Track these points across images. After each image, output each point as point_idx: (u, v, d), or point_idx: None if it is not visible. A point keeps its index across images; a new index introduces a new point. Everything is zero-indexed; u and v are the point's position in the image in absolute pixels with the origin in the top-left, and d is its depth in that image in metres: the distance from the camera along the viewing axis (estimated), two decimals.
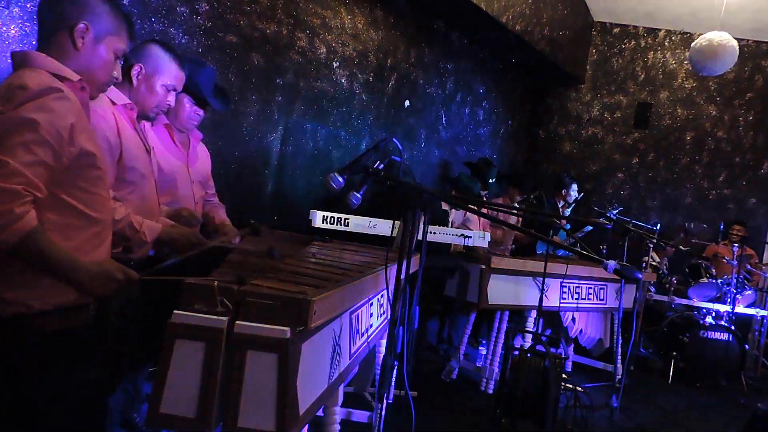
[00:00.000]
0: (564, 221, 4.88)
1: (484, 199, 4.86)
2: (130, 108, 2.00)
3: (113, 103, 1.94)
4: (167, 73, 2.06)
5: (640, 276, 1.51)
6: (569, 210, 5.51)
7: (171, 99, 2.10)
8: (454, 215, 4.61)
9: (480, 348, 4.49)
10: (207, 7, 3.45)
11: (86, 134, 1.46)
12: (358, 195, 1.80)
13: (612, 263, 1.48)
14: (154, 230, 1.93)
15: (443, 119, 5.74)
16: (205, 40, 3.47)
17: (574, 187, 5.54)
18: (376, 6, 4.68)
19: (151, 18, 3.19)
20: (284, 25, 3.95)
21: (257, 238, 2.43)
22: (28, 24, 2.66)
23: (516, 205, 4.86)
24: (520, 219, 5.01)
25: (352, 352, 1.83)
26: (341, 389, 2.13)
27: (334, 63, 4.39)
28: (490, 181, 4.73)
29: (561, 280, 3.96)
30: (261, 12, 3.78)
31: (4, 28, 2.61)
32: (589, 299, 4.29)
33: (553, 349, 3.38)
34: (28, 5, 2.66)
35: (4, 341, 1.38)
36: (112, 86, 1.97)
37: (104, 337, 1.57)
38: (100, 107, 1.85)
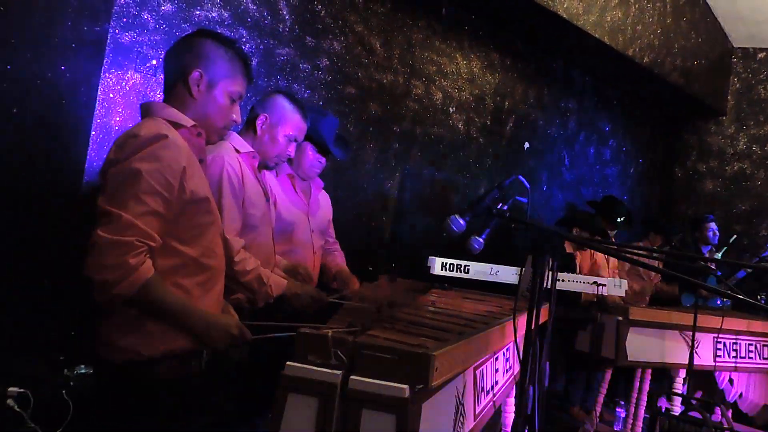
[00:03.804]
0: (713, 266, 4.32)
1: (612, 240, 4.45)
2: (253, 156, 2.05)
3: (237, 151, 2.00)
4: (290, 123, 2.11)
5: None
6: (720, 254, 4.90)
7: (292, 149, 2.14)
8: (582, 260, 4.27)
9: (618, 409, 4.02)
10: (327, 63, 3.59)
11: (198, 179, 1.46)
12: (480, 239, 1.68)
13: None
14: (280, 286, 1.95)
15: (566, 160, 5.45)
16: (325, 93, 3.60)
17: (713, 226, 4.93)
18: (492, 49, 4.61)
19: (277, 76, 3.37)
20: (400, 74, 4.00)
21: (375, 285, 2.37)
22: None
23: (656, 248, 4.39)
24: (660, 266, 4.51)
25: (477, 412, 1.66)
26: None
27: (450, 108, 4.35)
28: (618, 220, 4.31)
29: (715, 335, 3.46)
30: (378, 63, 3.86)
31: (151, 94, 2.87)
32: (750, 358, 3.71)
33: (709, 416, 2.92)
34: None
35: (118, 387, 1.39)
36: (237, 135, 2.05)
37: (217, 385, 1.55)
38: (228, 154, 1.92)
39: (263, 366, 1.54)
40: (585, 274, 4.01)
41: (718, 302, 4.68)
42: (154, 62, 2.82)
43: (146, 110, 1.52)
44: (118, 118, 2.69)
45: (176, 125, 1.47)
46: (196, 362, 1.46)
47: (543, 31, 4.59)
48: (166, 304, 1.36)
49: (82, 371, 2.26)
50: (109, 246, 1.26)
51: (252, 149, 2.06)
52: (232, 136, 2.01)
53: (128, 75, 2.73)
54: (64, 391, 2.10)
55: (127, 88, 2.73)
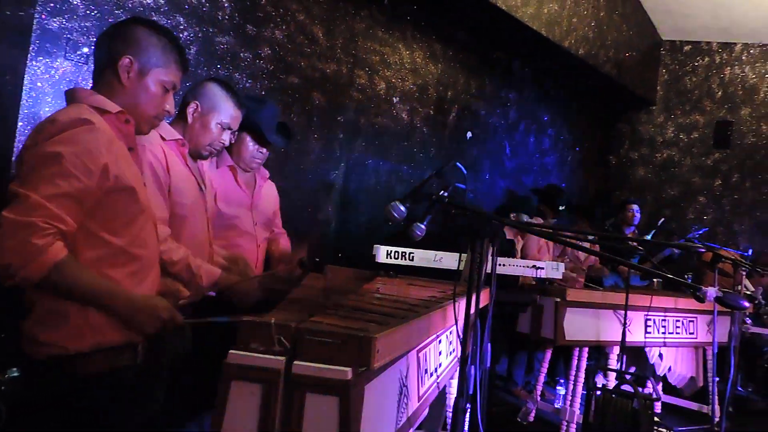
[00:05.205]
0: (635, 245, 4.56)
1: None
2: (181, 144, 1.97)
3: (163, 138, 1.92)
4: (223, 111, 2.03)
5: (747, 304, 1.33)
6: (650, 236, 5.18)
7: (225, 137, 2.06)
8: (526, 245, 4.41)
9: (558, 387, 4.20)
10: (269, 51, 3.54)
11: (124, 168, 1.41)
12: (422, 225, 1.71)
13: (712, 291, 1.30)
14: (212, 275, 1.88)
15: (507, 149, 5.60)
16: (267, 83, 3.55)
17: (634, 208, 5.27)
18: (435, 40, 4.67)
19: (217, 65, 3.30)
20: (344, 64, 4.00)
21: (320, 276, 2.37)
22: None
23: (589, 231, 4.60)
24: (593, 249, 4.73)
25: (421, 393, 1.71)
26: None
27: (394, 98, 4.39)
28: (561, 208, 4.50)
29: (645, 312, 3.67)
30: (321, 53, 3.85)
31: (83, 82, 2.76)
32: (677, 333, 3.95)
33: (640, 389, 3.10)
34: None
35: (42, 385, 1.32)
36: (165, 123, 1.98)
37: (156, 377, 1.50)
38: (149, 142, 1.84)
39: (208, 357, 1.52)
40: (532, 258, 4.16)
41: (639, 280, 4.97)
42: (85, 50, 2.71)
43: (71, 96, 1.47)
44: (47, 108, 2.57)
45: (101, 111, 1.42)
46: (130, 355, 1.41)
47: (484, 22, 4.69)
48: (84, 286, 1.28)
49: (15, 375, 2.16)
50: (13, 227, 1.19)
51: (180, 136, 1.98)
52: (160, 124, 1.94)
53: (57, 63, 2.61)
54: None
55: (57, 77, 2.62)
